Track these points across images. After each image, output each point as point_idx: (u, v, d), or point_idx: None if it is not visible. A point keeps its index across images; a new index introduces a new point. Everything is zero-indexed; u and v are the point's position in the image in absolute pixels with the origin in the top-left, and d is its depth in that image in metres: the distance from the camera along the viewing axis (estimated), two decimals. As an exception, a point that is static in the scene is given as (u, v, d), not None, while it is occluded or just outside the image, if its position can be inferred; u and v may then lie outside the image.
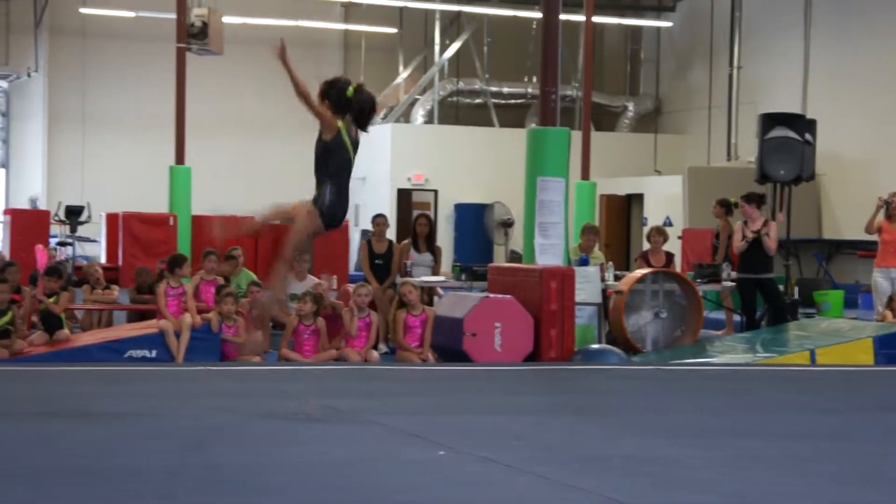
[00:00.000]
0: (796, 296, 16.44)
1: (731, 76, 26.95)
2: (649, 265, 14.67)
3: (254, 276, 14.24)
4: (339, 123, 7.85)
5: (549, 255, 12.87)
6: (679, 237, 20.60)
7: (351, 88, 7.86)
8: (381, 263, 14.57)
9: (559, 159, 12.95)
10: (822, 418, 8.47)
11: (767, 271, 14.32)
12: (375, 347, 12.91)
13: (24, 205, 27.90)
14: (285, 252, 8.05)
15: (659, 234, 15.27)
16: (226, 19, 19.74)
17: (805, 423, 8.23)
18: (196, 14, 18.70)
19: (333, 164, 7.88)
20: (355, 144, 7.97)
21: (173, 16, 20.07)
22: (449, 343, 12.25)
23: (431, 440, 7.00)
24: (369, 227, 15.60)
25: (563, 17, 13.00)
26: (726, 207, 16.09)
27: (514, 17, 28.17)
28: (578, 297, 12.59)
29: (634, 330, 13.41)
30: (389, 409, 8.35)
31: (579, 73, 27.24)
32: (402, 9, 29.02)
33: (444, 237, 25.49)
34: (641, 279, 13.58)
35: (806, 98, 24.61)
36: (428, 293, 14.32)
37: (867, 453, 7.05)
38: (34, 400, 8.65)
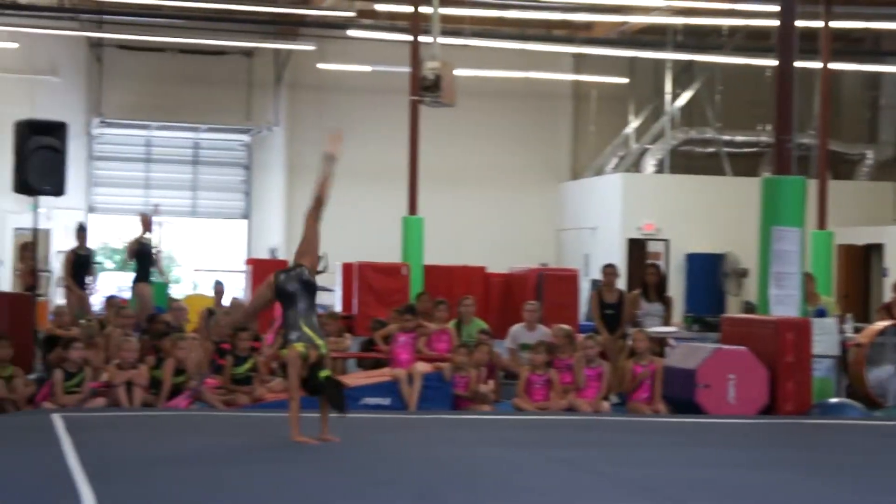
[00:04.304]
0: None
1: (976, 121, 25.99)
2: (892, 317, 14.18)
3: (484, 325, 14.32)
4: None
5: (784, 306, 12.60)
6: (922, 288, 19.85)
7: None
8: (612, 313, 14.47)
9: (795, 209, 12.69)
10: None
11: None
12: (606, 398, 12.81)
13: (264, 255, 28.77)
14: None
15: (903, 285, 14.76)
16: (458, 72, 20.03)
17: None
18: (429, 67, 19.05)
19: None
20: None
21: (408, 69, 20.52)
22: (681, 394, 12.08)
23: (662, 493, 6.90)
24: (599, 276, 15.52)
25: (798, 63, 12.76)
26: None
27: (748, 64, 27.77)
28: (815, 350, 12.29)
29: (876, 384, 12.99)
30: (620, 461, 8.27)
31: (815, 120, 26.63)
32: (632, 59, 28.98)
33: (676, 287, 25.20)
34: (883, 332, 13.17)
35: None
36: (659, 343, 14.14)
37: None
38: (272, 445, 8.88)
